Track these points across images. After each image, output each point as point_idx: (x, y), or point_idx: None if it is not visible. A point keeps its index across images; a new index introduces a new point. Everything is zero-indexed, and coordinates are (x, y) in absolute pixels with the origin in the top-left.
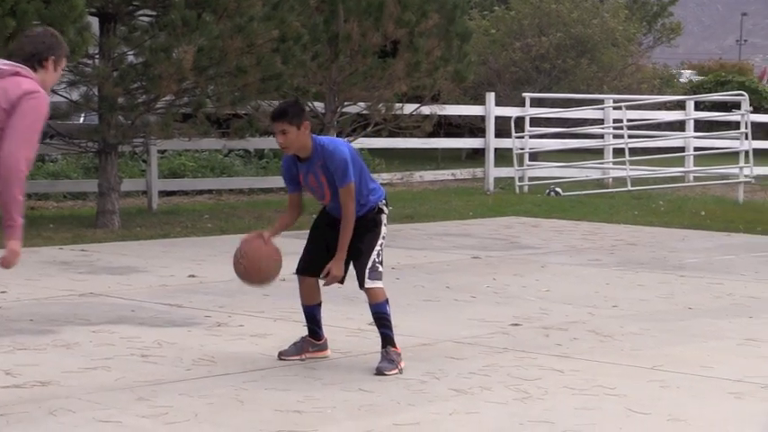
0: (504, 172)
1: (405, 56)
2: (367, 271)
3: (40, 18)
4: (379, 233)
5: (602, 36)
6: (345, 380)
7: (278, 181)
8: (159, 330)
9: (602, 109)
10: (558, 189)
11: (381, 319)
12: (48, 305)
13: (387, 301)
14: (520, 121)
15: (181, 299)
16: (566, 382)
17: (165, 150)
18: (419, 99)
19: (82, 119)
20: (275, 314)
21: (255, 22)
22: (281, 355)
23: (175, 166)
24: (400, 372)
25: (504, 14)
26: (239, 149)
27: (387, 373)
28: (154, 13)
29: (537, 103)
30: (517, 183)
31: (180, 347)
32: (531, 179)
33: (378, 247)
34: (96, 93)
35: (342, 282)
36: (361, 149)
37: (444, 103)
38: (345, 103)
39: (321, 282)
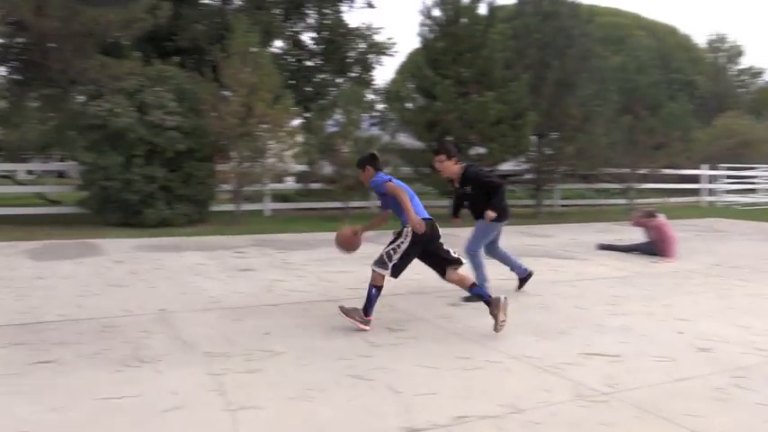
0: None
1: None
2: (377, 258)
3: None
4: (397, 240)
5: None
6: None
7: None
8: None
9: None
10: None
11: (369, 291)
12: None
13: (376, 287)
14: None
15: (574, 250)
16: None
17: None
18: None
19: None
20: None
21: None
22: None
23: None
24: (356, 323)
25: None
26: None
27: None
28: (557, 133)
29: None
30: None
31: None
32: None
33: (391, 247)
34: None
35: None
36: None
37: None
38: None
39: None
